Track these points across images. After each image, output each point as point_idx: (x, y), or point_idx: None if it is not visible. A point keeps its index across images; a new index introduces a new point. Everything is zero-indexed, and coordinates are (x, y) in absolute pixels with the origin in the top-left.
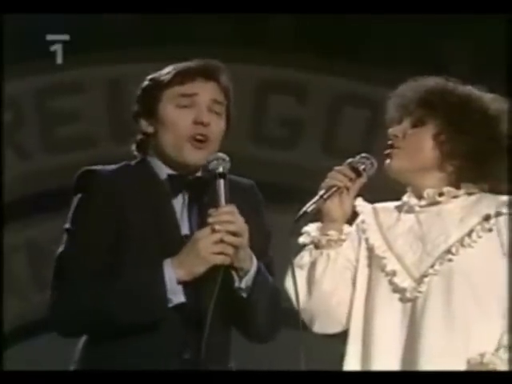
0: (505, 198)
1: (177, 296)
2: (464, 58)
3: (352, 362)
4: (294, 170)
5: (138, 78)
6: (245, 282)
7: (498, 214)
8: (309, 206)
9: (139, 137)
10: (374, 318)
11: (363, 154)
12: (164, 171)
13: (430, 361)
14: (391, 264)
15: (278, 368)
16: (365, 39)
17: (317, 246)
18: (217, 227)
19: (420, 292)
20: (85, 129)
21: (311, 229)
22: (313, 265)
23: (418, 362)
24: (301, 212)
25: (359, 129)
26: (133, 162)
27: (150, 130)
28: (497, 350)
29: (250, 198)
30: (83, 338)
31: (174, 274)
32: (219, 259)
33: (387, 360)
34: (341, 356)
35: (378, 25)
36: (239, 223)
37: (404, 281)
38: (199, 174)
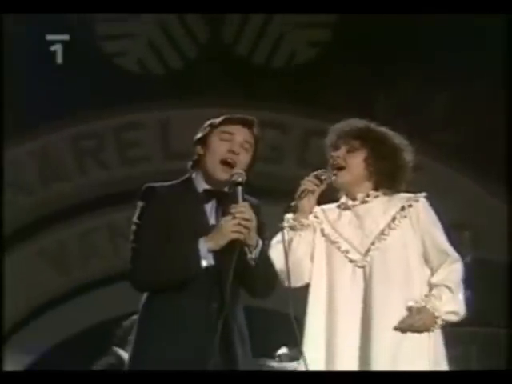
0: (409, 194)
1: (208, 260)
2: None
3: (316, 308)
4: (279, 177)
5: (180, 119)
6: (254, 255)
7: (410, 206)
8: (292, 203)
9: (194, 157)
10: (335, 279)
11: (323, 170)
12: (201, 186)
13: (381, 309)
14: (344, 245)
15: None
16: (326, 93)
17: (293, 228)
18: (236, 215)
19: (367, 261)
20: (145, 152)
21: (289, 217)
22: (290, 241)
23: (372, 311)
24: (288, 206)
25: (321, 152)
26: (180, 180)
27: (201, 152)
28: (427, 295)
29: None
30: (145, 296)
31: (205, 245)
32: (236, 235)
33: (349, 307)
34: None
35: (338, 83)
36: (250, 213)
37: (355, 255)
38: (226, 189)
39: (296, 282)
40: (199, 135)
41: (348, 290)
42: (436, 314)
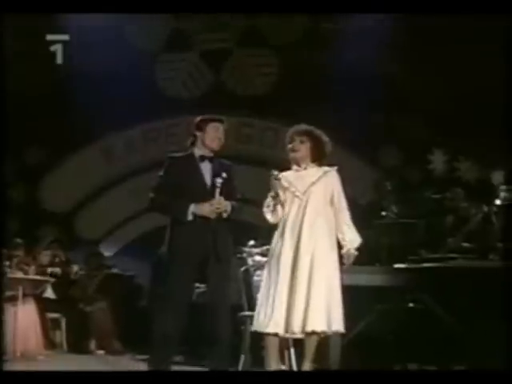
0: (328, 167)
1: (190, 216)
2: None
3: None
4: (249, 152)
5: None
6: (225, 214)
7: (328, 172)
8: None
9: (192, 139)
10: (291, 207)
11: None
12: (198, 153)
13: (308, 225)
14: (293, 189)
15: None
16: (276, 108)
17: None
18: (213, 205)
19: (304, 196)
20: (179, 139)
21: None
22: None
23: (303, 224)
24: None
25: (270, 140)
26: (188, 152)
27: (199, 135)
28: (343, 239)
29: (228, 169)
30: (169, 226)
31: (192, 209)
32: (210, 215)
33: (293, 220)
34: None
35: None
36: (223, 203)
37: (299, 193)
38: (212, 155)
39: (275, 218)
40: (198, 125)
41: (295, 211)
42: (352, 251)
